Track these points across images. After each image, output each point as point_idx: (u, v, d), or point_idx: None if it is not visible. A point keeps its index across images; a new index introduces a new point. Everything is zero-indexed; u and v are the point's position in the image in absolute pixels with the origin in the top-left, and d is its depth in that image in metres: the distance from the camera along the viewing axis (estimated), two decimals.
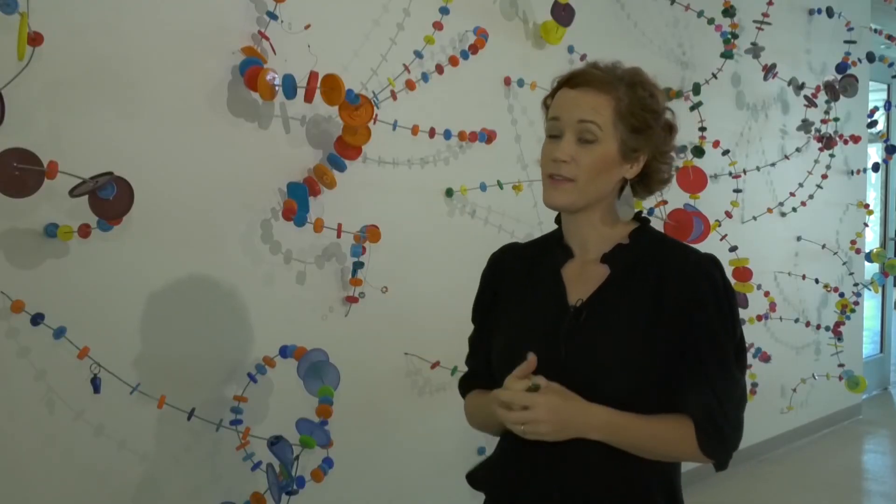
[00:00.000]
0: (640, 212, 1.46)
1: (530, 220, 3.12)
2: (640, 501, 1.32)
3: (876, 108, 5.06)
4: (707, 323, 1.29)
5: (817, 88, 4.52)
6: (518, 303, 1.43)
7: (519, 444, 1.34)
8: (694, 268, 1.33)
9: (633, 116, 1.33)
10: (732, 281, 2.92)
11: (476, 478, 1.45)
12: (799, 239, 4.74)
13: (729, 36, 3.85)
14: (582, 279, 1.38)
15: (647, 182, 1.41)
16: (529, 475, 1.34)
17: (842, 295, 4.84)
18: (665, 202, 3.26)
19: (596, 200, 1.36)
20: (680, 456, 1.34)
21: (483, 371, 1.48)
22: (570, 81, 1.36)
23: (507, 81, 3.03)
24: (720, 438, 1.31)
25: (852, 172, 5.13)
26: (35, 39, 1.79)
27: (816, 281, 4.71)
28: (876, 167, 5.19)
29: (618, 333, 1.31)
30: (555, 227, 1.48)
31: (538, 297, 1.41)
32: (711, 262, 1.35)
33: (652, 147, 1.36)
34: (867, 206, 5.13)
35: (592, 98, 1.33)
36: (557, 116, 1.35)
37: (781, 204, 4.53)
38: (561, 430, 1.26)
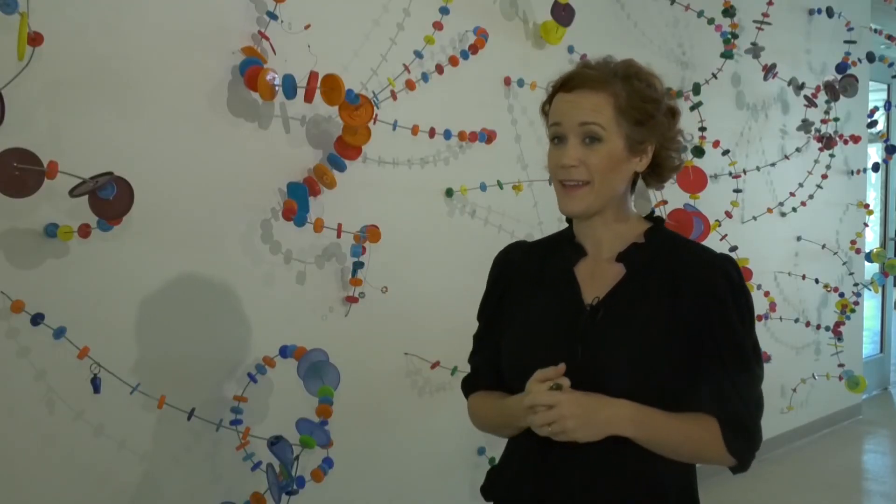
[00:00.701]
0: (654, 210, 1.46)
1: (530, 220, 3.12)
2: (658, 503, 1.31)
3: (876, 108, 5.06)
4: (726, 320, 1.29)
5: (817, 88, 4.52)
6: (529, 303, 1.41)
7: (531, 446, 1.33)
8: (711, 266, 1.33)
9: (634, 109, 1.32)
10: None
11: (489, 489, 1.44)
12: (799, 239, 4.73)
13: (729, 36, 3.85)
14: (596, 278, 1.37)
15: (658, 171, 1.41)
16: (543, 478, 1.33)
17: (842, 295, 4.84)
18: (665, 202, 3.26)
19: (610, 200, 1.36)
20: (705, 456, 1.32)
21: (487, 370, 1.46)
22: (566, 85, 1.35)
23: (507, 81, 3.03)
24: (747, 438, 1.30)
25: (852, 172, 5.13)
26: (35, 39, 1.79)
27: (816, 281, 4.71)
28: (876, 167, 5.19)
29: (636, 331, 1.30)
30: (556, 226, 1.48)
31: (551, 297, 1.39)
32: (728, 260, 1.35)
33: (658, 136, 1.36)
34: (867, 206, 5.12)
35: (590, 98, 1.32)
36: (559, 122, 1.34)
37: (781, 204, 4.53)
38: (588, 425, 1.24)
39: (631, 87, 1.33)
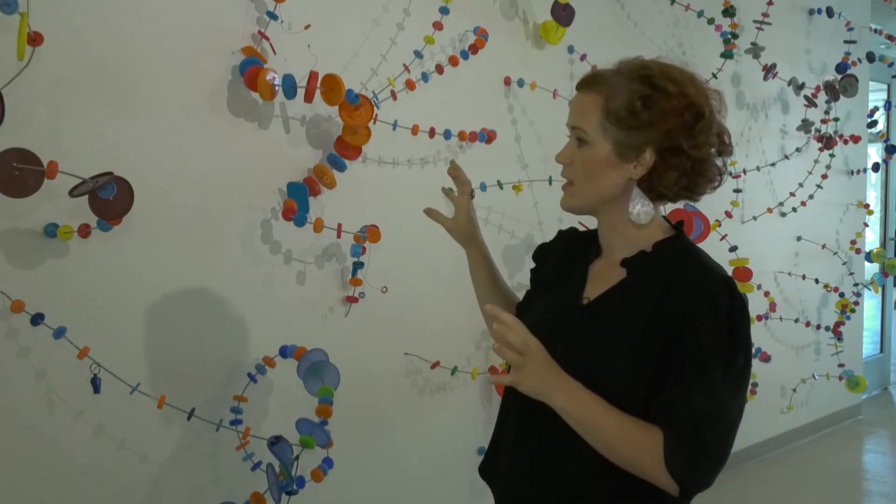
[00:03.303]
0: (681, 223, 1.39)
1: (530, 220, 3.12)
2: (640, 500, 1.31)
3: (876, 108, 5.06)
4: (698, 342, 1.21)
5: (817, 88, 4.52)
6: (551, 288, 1.46)
7: (511, 435, 1.39)
8: (699, 286, 1.25)
9: (628, 113, 1.27)
10: None
11: (482, 469, 1.49)
12: (799, 239, 4.74)
13: (729, 36, 3.85)
14: (601, 279, 1.38)
15: (650, 183, 1.31)
16: (522, 468, 1.36)
17: (842, 295, 4.84)
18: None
19: (601, 202, 1.35)
20: (641, 465, 1.23)
21: None
22: (578, 84, 1.38)
23: (507, 81, 3.03)
24: (689, 459, 1.21)
25: (852, 172, 5.14)
26: (35, 39, 1.79)
27: (816, 281, 4.71)
28: (876, 167, 5.19)
29: (610, 337, 1.29)
30: (556, 226, 1.50)
31: (565, 288, 1.42)
32: (723, 283, 1.26)
33: (656, 144, 1.28)
34: (867, 206, 5.13)
35: (583, 100, 1.33)
36: (567, 120, 1.38)
37: (781, 204, 4.53)
38: (534, 387, 1.23)
39: (630, 89, 1.28)
